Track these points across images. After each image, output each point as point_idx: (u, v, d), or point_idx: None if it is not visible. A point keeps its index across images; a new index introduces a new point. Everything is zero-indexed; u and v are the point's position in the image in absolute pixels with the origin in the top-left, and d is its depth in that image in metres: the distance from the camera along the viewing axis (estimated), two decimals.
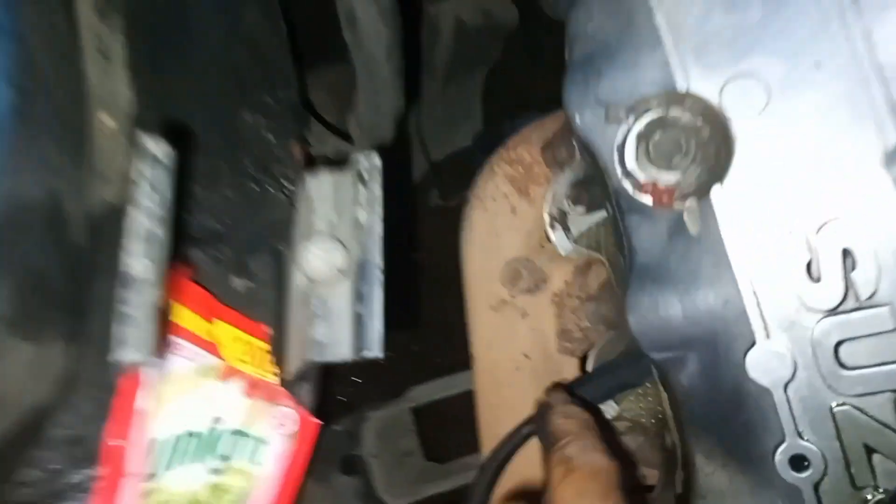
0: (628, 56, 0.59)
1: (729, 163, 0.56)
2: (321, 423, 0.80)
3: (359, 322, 0.61)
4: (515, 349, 0.94)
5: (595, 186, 0.81)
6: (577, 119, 0.63)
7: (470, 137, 1.70)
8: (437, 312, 1.88)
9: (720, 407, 0.61)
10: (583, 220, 0.85)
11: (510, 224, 0.93)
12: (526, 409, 0.77)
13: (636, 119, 0.58)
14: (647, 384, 0.80)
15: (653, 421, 0.83)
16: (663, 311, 0.60)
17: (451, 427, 1.34)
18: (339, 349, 0.62)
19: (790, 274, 0.55)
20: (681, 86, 0.57)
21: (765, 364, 0.56)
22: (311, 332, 0.63)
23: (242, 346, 0.73)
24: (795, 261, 0.55)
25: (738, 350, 0.57)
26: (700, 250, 0.58)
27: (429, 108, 1.55)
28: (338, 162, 0.63)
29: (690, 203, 0.58)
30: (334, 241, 0.61)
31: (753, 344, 0.56)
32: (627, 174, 0.60)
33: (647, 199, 0.59)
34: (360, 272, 0.60)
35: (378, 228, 0.59)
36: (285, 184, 0.78)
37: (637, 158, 0.59)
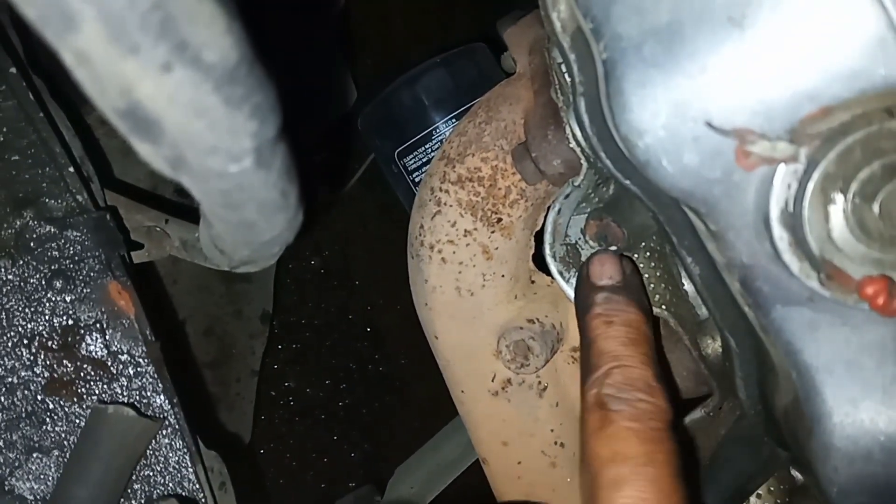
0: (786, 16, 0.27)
1: None
2: None
3: None
4: (542, 439, 0.65)
5: (635, 214, 0.50)
6: (660, 162, 0.31)
7: (344, 99, 1.31)
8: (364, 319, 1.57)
9: None
10: None
11: (485, 272, 0.61)
12: None
13: (822, 151, 0.28)
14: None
15: (787, 500, 0.57)
16: None
17: None
18: None
19: None
20: None
21: None
22: None
23: None
24: None
25: None
26: None
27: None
28: None
29: None
30: None
31: None
32: (804, 257, 0.30)
33: (854, 300, 0.30)
34: None
35: None
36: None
37: (829, 229, 0.28)
